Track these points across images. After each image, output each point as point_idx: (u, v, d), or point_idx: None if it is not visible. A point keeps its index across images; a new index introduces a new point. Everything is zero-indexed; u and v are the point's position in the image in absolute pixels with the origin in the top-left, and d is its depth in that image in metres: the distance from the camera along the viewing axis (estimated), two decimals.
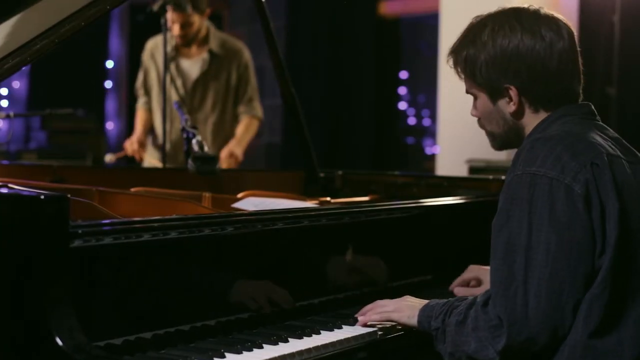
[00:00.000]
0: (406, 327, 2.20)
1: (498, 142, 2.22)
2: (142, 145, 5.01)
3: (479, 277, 2.58)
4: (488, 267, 2.23)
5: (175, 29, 4.88)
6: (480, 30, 2.12)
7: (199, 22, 4.94)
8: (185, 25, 4.88)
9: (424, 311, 2.15)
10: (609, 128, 2.15)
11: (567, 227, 1.94)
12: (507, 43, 2.07)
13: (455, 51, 2.17)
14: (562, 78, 2.10)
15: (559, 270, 1.93)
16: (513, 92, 2.10)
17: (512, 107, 2.12)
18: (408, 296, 2.27)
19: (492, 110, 2.16)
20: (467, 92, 2.20)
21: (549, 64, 2.07)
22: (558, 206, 1.94)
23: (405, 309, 2.20)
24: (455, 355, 2.06)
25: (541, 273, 1.93)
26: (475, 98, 2.18)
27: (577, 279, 1.94)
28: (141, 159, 5.01)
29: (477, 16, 2.17)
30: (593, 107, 2.16)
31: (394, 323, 2.22)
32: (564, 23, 2.12)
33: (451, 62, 2.19)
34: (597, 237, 1.95)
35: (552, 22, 2.10)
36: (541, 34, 2.07)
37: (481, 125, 2.22)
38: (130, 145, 5.01)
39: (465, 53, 2.13)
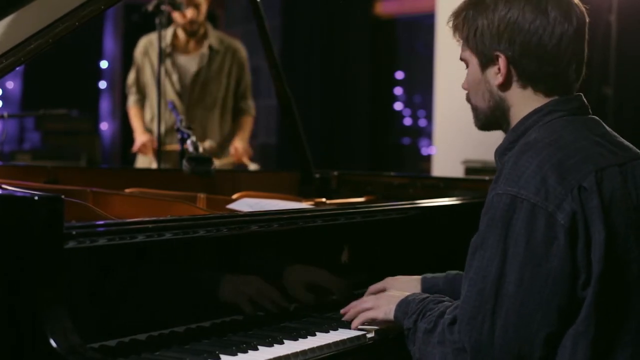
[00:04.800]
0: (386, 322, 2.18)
1: (481, 119, 2.12)
2: (152, 141, 4.91)
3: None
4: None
5: (190, 12, 4.87)
6: None
7: (205, 7, 4.95)
8: (196, 6, 4.89)
9: (400, 306, 2.13)
10: (601, 122, 2.05)
11: (544, 258, 1.84)
12: (507, 11, 1.99)
13: (456, 13, 2.10)
14: (557, 61, 2.00)
15: (530, 303, 1.84)
16: (502, 61, 2.01)
17: (499, 79, 2.03)
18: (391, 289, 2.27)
19: (479, 80, 2.07)
20: (461, 58, 2.12)
21: (546, 42, 1.98)
22: (537, 235, 1.84)
23: (383, 305, 2.18)
24: None
25: (511, 304, 1.85)
26: (467, 66, 2.10)
27: (550, 312, 1.85)
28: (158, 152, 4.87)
29: None
30: (584, 98, 2.07)
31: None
32: (578, 8, 2.03)
33: (451, 24, 2.12)
34: (580, 268, 1.85)
35: (563, 2, 2.01)
36: (546, 9, 1.98)
37: (467, 98, 2.13)
38: (146, 148, 4.91)
39: (464, 14, 2.06)
